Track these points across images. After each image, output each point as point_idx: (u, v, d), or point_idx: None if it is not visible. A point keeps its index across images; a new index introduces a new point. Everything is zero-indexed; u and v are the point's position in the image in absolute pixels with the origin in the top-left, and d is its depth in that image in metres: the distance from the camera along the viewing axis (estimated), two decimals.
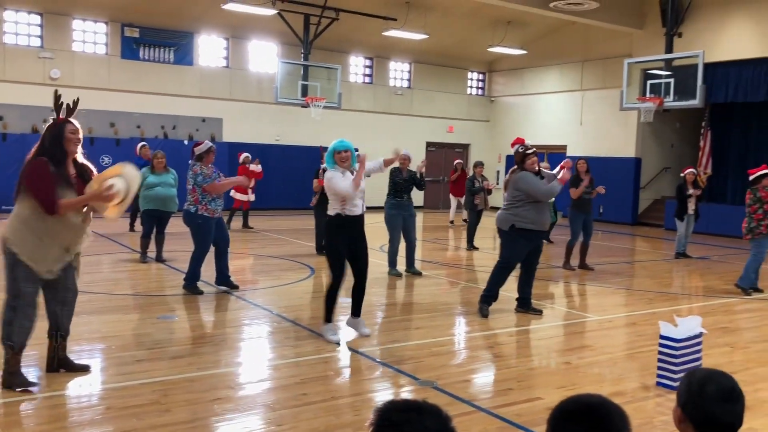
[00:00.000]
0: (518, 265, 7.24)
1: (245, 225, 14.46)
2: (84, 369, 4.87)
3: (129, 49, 17.54)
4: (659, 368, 4.96)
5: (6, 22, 16.37)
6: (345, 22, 18.04)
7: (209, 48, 18.85)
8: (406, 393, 4.71)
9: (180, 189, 9.98)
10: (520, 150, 7.03)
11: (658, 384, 4.93)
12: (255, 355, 5.56)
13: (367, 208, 6.21)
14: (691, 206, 11.96)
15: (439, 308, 7.48)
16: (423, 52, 21.45)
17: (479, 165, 13.17)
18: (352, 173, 5.78)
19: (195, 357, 5.41)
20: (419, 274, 9.48)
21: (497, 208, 7.85)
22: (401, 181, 9.32)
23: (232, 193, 13.83)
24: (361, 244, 5.94)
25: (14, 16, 16.50)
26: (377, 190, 11.91)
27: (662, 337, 4.95)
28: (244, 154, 14.41)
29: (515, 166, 7.07)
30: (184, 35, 18.20)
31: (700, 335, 5.06)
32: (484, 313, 7.02)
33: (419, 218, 10.10)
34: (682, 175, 12.30)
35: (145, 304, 7.25)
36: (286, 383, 4.84)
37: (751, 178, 8.78)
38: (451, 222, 17.07)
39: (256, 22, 18.07)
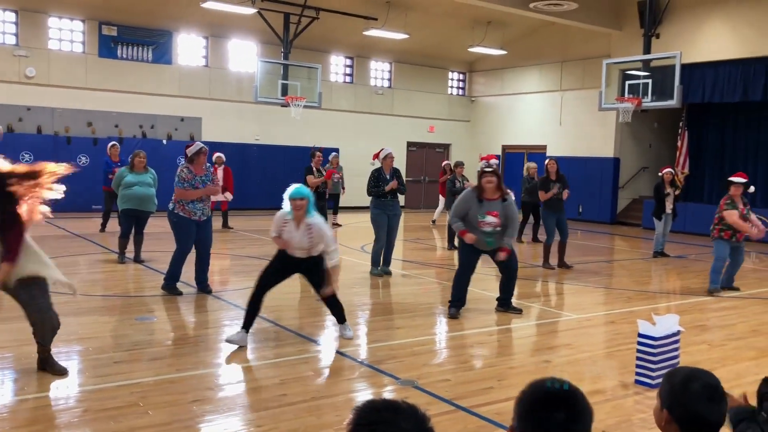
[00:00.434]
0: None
1: (225, 225, 14.37)
2: (62, 372, 4.81)
3: (106, 47, 17.34)
4: (638, 366, 5.01)
5: None
6: (325, 22, 17.99)
7: (188, 47, 18.70)
8: (387, 393, 4.71)
9: (159, 189, 9.92)
10: (481, 167, 7.00)
11: (637, 382, 4.98)
12: (235, 356, 5.52)
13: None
14: (669, 205, 12.09)
15: (420, 308, 7.49)
16: (403, 51, 21.47)
17: (460, 165, 13.21)
18: (306, 226, 5.65)
19: (174, 358, 5.36)
20: (389, 273, 9.47)
21: None
22: (382, 189, 9.26)
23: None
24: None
25: None
26: (363, 190, 11.87)
27: (640, 336, 5.00)
28: (217, 154, 14.26)
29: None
30: (162, 34, 18.04)
31: (677, 333, 5.11)
32: (450, 315, 7.03)
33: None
34: (659, 174, 12.43)
35: (123, 305, 7.17)
36: (266, 384, 4.82)
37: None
38: (433, 221, 17.11)
39: (235, 21, 17.97)
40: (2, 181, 4.37)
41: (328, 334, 6.25)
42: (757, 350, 6.12)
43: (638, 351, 5.01)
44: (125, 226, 9.63)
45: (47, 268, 4.68)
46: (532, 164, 13.99)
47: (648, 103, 14.80)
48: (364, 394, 4.72)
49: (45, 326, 4.70)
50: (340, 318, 6.09)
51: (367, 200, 9.72)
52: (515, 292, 7.52)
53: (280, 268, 5.94)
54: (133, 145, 16.80)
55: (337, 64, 21.28)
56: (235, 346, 5.62)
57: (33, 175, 4.43)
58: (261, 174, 18.95)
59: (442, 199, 17.06)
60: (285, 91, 17.48)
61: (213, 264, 8.46)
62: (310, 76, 18.13)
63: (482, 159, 7.36)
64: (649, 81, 14.82)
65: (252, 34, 19.00)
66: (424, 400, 4.45)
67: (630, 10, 17.42)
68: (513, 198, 7.05)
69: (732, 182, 8.63)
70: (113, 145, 12.86)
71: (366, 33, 18.55)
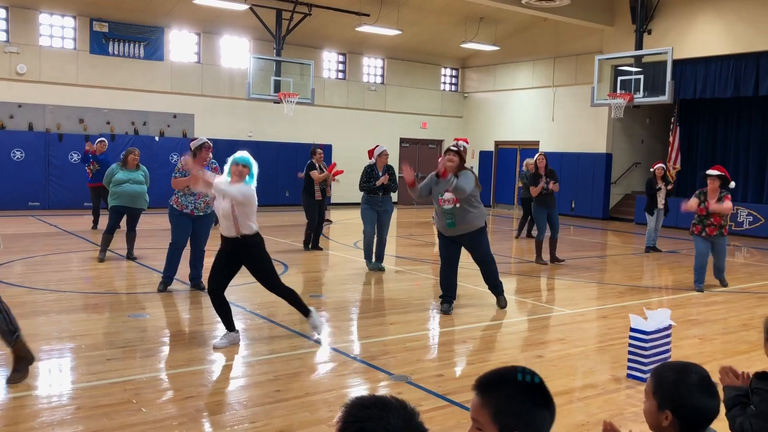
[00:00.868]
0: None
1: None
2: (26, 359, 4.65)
3: (98, 43, 17.27)
4: (630, 360, 5.03)
5: None
6: (317, 18, 17.97)
7: (180, 43, 18.63)
8: (381, 388, 4.72)
9: (151, 186, 9.88)
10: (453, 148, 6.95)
11: (629, 376, 5.00)
12: (228, 353, 5.52)
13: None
14: (661, 201, 12.14)
15: (412, 304, 7.50)
16: (396, 47, 21.46)
17: None
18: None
19: (167, 355, 5.36)
20: (382, 269, 9.48)
21: None
22: (373, 184, 9.27)
23: None
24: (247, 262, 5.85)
25: None
26: (356, 187, 11.86)
27: (632, 330, 5.02)
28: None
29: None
30: (154, 30, 17.97)
31: (669, 327, 5.14)
32: (443, 310, 7.05)
33: (393, 214, 10.09)
34: (651, 170, 12.48)
35: (115, 303, 7.15)
36: (259, 380, 4.82)
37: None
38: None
39: (227, 17, 17.92)
40: None
41: (322, 330, 6.24)
42: (748, 344, 6.15)
43: (630, 345, 5.04)
44: (112, 221, 9.44)
45: None
46: (531, 160, 13.99)
47: (640, 98, 14.86)
48: (357, 390, 4.73)
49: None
50: (304, 310, 5.88)
51: (359, 197, 9.73)
52: (512, 287, 7.52)
53: (222, 264, 5.78)
54: (126, 141, 16.76)
55: (330, 61, 21.25)
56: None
57: None
58: None
59: None
60: (278, 87, 17.47)
61: (207, 261, 8.44)
62: (302, 73, 18.11)
63: (455, 140, 7.43)
64: (641, 77, 14.88)
65: (244, 30, 18.95)
66: (418, 396, 4.47)
67: (622, 6, 17.46)
68: (472, 174, 6.93)
69: (707, 175, 8.70)
70: (100, 141, 12.88)
71: (358, 29, 18.53)
